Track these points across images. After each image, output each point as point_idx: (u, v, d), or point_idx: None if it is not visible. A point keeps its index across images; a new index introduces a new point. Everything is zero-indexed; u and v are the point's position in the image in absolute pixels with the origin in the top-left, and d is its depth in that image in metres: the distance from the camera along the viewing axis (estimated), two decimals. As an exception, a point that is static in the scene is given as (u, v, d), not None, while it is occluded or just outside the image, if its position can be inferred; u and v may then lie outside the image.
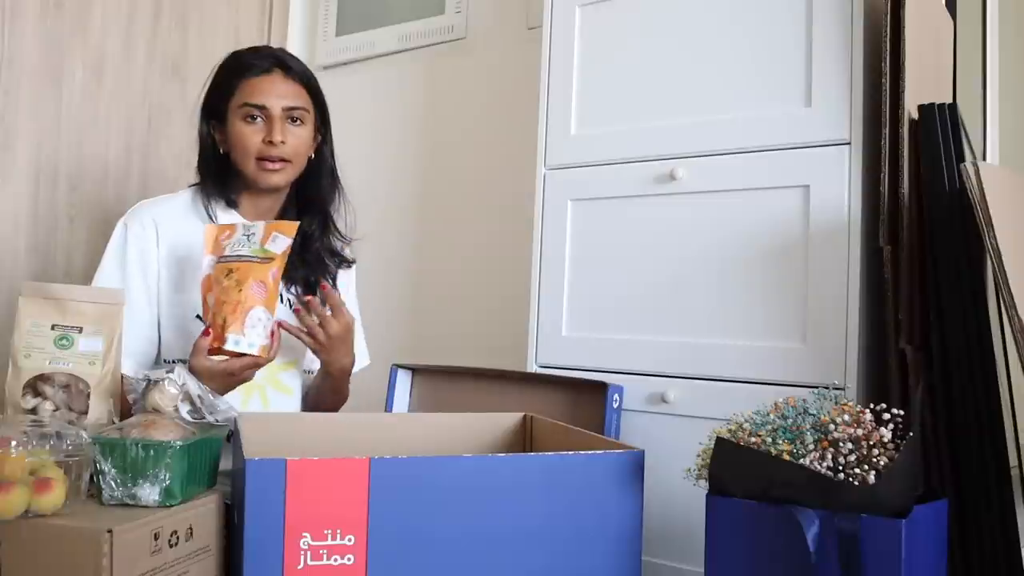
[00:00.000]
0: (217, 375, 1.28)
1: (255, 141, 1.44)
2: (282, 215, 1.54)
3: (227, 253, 1.32)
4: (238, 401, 1.40)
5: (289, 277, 1.52)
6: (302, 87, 1.49)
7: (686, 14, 1.49)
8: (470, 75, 2.22)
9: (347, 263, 1.62)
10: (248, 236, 1.34)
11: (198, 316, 1.47)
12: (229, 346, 1.25)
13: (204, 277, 1.33)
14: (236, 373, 1.30)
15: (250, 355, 1.27)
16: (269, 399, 1.49)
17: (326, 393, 1.54)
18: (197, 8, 2.29)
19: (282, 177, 1.47)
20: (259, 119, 1.45)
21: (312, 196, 1.55)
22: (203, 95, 1.52)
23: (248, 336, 1.26)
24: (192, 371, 1.27)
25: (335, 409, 1.58)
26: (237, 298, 1.26)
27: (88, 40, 2.06)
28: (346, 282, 1.64)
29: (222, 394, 1.31)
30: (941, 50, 1.54)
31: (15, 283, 1.86)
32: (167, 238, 1.47)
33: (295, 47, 2.51)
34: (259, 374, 1.39)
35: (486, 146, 2.16)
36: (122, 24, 2.13)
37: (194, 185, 1.55)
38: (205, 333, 1.28)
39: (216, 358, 1.27)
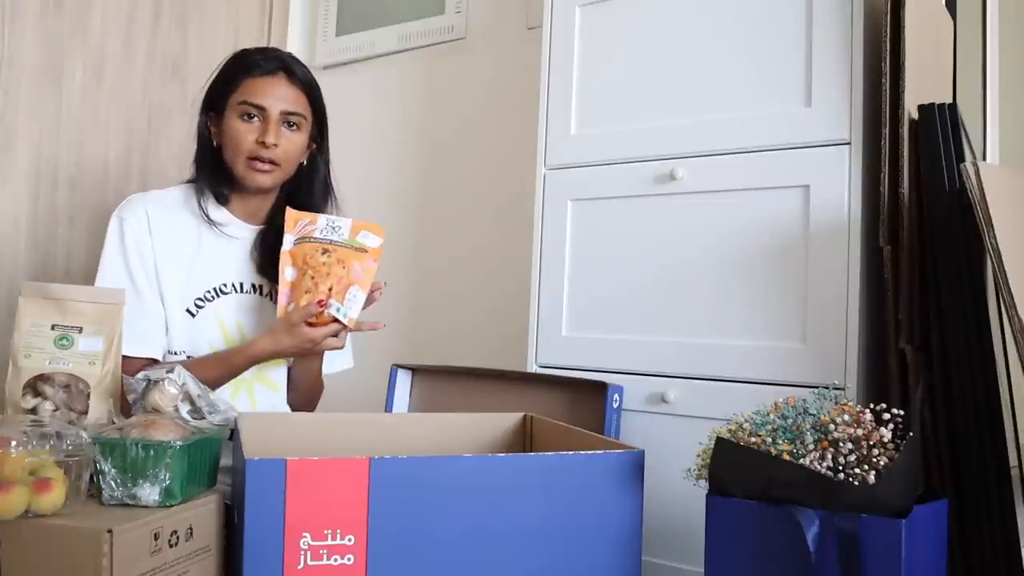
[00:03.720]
0: (299, 339, 1.36)
1: (248, 140, 1.44)
2: (271, 219, 1.54)
3: (317, 236, 1.41)
4: (226, 397, 1.41)
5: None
6: (303, 94, 1.50)
7: (686, 14, 1.49)
8: (470, 75, 2.22)
9: None
10: (333, 228, 1.42)
11: (196, 304, 1.47)
12: (331, 311, 1.36)
13: (284, 252, 1.40)
14: (317, 341, 1.37)
15: (340, 322, 1.37)
16: (256, 396, 1.50)
17: (313, 383, 1.58)
18: (197, 8, 2.29)
19: (269, 179, 1.47)
20: (255, 119, 1.45)
21: (303, 204, 1.54)
22: (206, 88, 1.53)
23: (346, 306, 1.37)
24: (278, 333, 1.37)
25: (318, 396, 1.62)
26: (340, 273, 1.38)
27: (88, 40, 2.06)
28: None
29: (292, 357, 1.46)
30: (941, 50, 1.54)
31: (15, 283, 1.86)
32: (159, 230, 1.48)
33: (295, 47, 2.51)
34: (248, 371, 1.43)
35: (486, 146, 2.16)
36: (122, 24, 2.13)
37: (188, 182, 1.55)
38: (287, 302, 1.37)
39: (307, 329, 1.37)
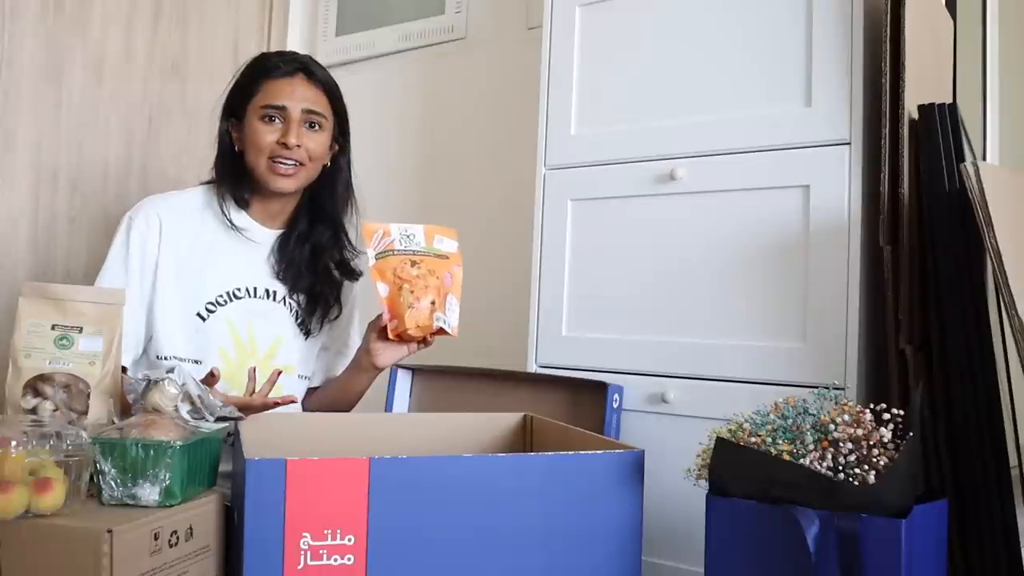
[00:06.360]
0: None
1: (269, 140, 1.44)
2: (292, 222, 1.54)
3: (399, 248, 1.42)
4: None
5: (295, 286, 1.53)
6: (323, 94, 1.50)
7: (686, 14, 1.49)
8: (470, 75, 2.22)
9: (355, 276, 1.61)
10: (409, 236, 1.43)
11: (207, 308, 1.47)
12: (438, 324, 1.39)
13: (370, 268, 1.41)
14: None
15: (445, 332, 1.40)
16: None
17: (355, 400, 1.57)
18: (197, 8, 2.29)
19: (292, 183, 1.46)
20: (277, 120, 1.45)
21: (325, 206, 1.54)
22: (226, 93, 1.53)
23: (448, 316, 1.41)
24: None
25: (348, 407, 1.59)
26: (437, 284, 1.40)
27: (88, 40, 2.06)
28: (350, 293, 1.63)
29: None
30: (941, 50, 1.54)
31: (15, 283, 1.86)
32: (171, 234, 1.47)
33: (295, 47, 2.50)
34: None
35: (486, 146, 2.16)
36: (122, 24, 2.13)
37: (207, 183, 1.55)
38: (390, 319, 1.38)
39: (396, 347, 1.43)
